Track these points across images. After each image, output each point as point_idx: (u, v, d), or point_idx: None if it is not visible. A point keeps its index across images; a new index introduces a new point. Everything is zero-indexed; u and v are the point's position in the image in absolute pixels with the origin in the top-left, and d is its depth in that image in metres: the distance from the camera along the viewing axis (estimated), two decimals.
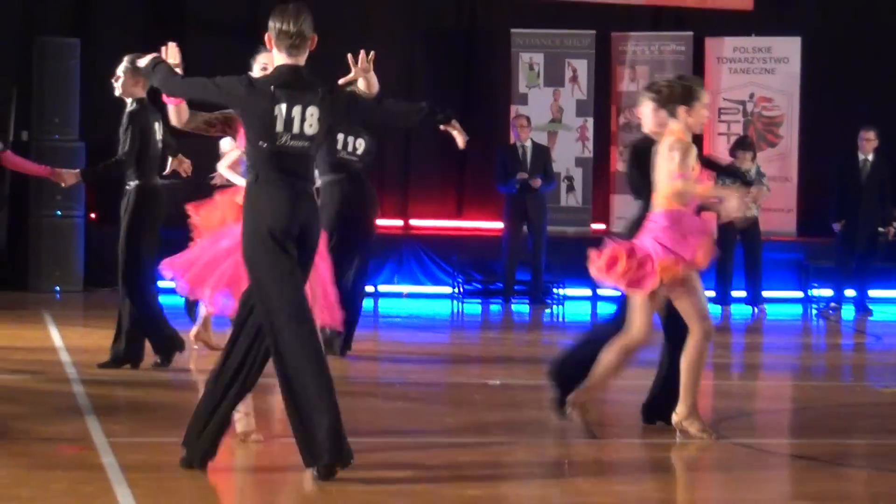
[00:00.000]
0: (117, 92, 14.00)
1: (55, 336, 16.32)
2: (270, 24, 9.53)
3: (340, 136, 14.93)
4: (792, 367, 17.04)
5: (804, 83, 23.45)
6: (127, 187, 13.85)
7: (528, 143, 21.30)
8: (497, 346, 17.49)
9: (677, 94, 10.59)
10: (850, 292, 21.09)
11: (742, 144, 21.10)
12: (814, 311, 21.66)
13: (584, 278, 22.13)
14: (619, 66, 23.78)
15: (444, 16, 23.23)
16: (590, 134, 23.29)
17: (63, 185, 14.50)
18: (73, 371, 13.52)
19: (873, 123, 20.41)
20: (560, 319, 20.46)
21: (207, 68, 23.71)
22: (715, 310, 20.72)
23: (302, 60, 9.31)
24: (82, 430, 10.50)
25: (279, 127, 8.96)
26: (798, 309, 22.18)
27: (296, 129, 9.00)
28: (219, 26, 23.56)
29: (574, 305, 21.41)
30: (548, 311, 21.10)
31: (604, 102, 23.44)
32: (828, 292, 21.13)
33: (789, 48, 23.60)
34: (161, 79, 10.03)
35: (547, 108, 23.23)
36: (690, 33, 23.92)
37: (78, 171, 14.40)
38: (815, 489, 9.82)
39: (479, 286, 22.45)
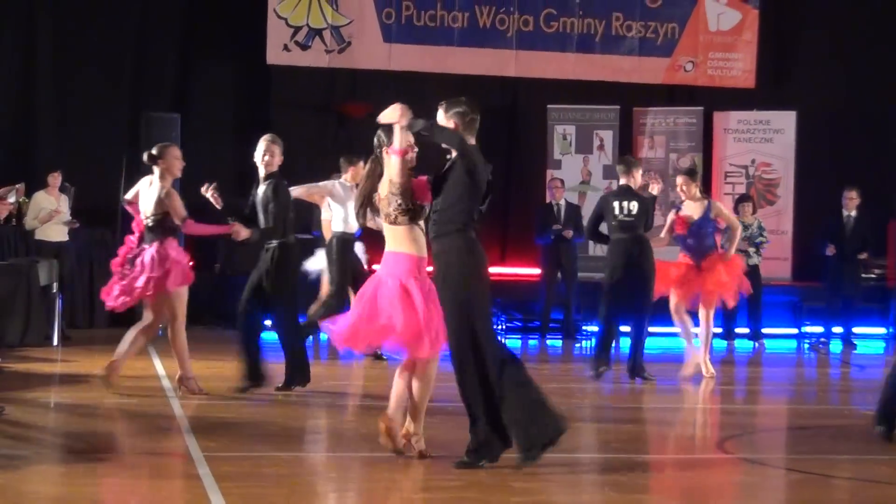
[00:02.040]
0: (263, 170, 14.56)
1: (158, 366, 16.36)
2: (459, 110, 10.38)
3: None
4: (788, 392, 16.96)
5: (798, 151, 23.40)
6: (269, 246, 14.25)
7: (562, 202, 21.29)
8: (535, 374, 17.40)
9: None
10: (837, 329, 21.06)
11: (743, 199, 21.16)
12: (806, 346, 21.59)
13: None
14: (640, 136, 23.76)
15: (492, 95, 23.24)
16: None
17: (237, 238, 14.46)
18: (174, 396, 13.55)
19: (856, 185, 20.35)
20: (589, 352, 20.40)
21: (290, 141, 24.05)
22: (721, 344, 20.69)
23: None
24: (182, 445, 10.55)
25: None
26: (793, 343, 22.13)
27: None
28: (300, 105, 23.60)
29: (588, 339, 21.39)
30: (578, 345, 21.04)
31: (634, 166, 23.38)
32: (818, 329, 21.06)
33: (785, 121, 23.55)
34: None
35: (578, 172, 23.22)
36: (701, 108, 23.89)
37: (249, 230, 14.37)
38: (808, 498, 9.79)
39: (520, 324, 22.40)
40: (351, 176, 17.07)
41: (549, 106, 23.38)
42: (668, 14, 24.09)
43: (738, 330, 21.20)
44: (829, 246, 20.40)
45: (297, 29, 23.02)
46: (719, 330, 20.19)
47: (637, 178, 16.27)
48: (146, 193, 13.78)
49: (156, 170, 13.50)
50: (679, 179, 16.59)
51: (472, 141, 10.21)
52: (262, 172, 14.38)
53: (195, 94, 23.39)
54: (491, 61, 23.63)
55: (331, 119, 23.59)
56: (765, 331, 21.25)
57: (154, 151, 13.49)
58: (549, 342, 21.32)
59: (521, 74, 23.68)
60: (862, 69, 23.69)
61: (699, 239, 16.22)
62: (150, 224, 13.68)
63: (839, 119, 23.38)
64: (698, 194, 16.35)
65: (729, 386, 16.43)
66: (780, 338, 22.16)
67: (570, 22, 23.88)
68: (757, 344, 21.05)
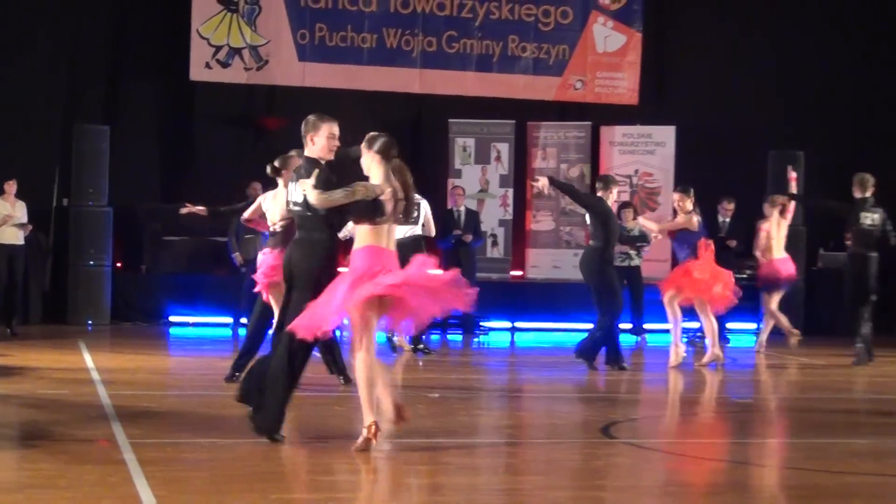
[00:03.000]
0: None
1: (87, 359, 16.22)
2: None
3: None
4: (667, 382, 17.05)
5: (677, 162, 23.54)
6: None
7: (462, 208, 21.27)
8: (437, 367, 17.41)
9: None
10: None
11: (625, 206, 21.23)
12: (684, 340, 21.66)
13: (504, 314, 22.31)
14: (534, 148, 23.80)
15: (398, 110, 23.27)
16: (510, 201, 23.33)
17: None
18: (102, 387, 13.42)
19: (731, 195, 20.48)
20: (485, 347, 20.44)
21: (212, 152, 23.87)
22: (630, 340, 20.82)
23: None
24: (109, 432, 10.45)
25: None
26: (672, 337, 22.20)
27: None
28: (221, 118, 23.48)
29: (496, 335, 21.39)
30: (476, 340, 21.07)
31: (521, 176, 23.44)
32: (695, 325, 21.14)
33: (666, 135, 23.68)
34: None
35: (476, 181, 23.23)
36: (589, 123, 23.95)
37: None
38: (683, 479, 9.84)
39: None
40: None
41: (450, 120, 23.40)
42: (560, 37, 24.17)
43: (623, 326, 21.29)
44: (731, 240, 20.49)
45: (218, 48, 22.92)
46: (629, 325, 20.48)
47: (613, 195, 16.48)
48: (273, 204, 13.44)
49: (279, 180, 13.14)
50: (675, 195, 17.01)
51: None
52: None
53: (124, 108, 23.21)
54: (397, 79, 23.62)
55: (249, 132, 23.50)
56: (647, 326, 21.34)
57: (277, 163, 13.19)
58: (448, 337, 21.31)
59: (425, 91, 23.68)
60: (735, 87, 23.89)
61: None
62: (278, 230, 13.44)
63: (715, 133, 23.52)
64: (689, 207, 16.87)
65: (614, 376, 16.49)
66: (661, 332, 22.25)
67: (470, 43, 23.90)
68: (639, 338, 21.15)
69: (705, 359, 17.10)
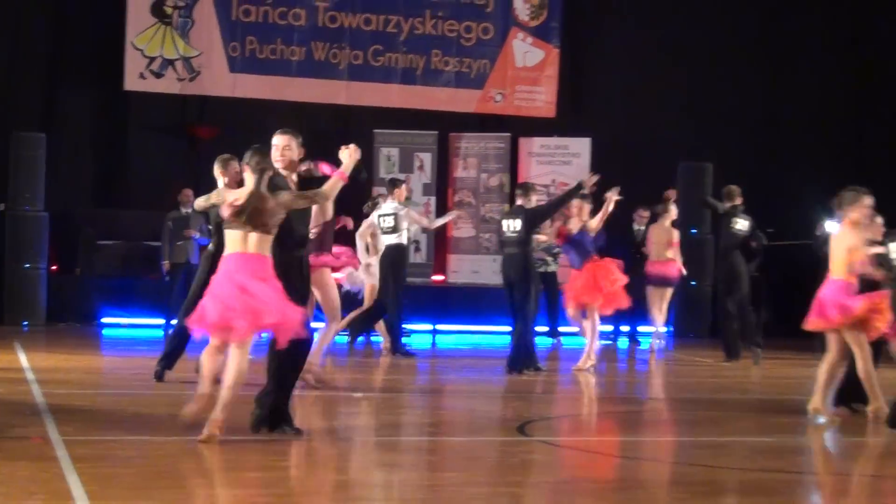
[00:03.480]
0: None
1: (22, 359, 16.06)
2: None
3: None
4: (581, 383, 17.09)
5: (592, 170, 23.60)
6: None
7: None
8: (362, 368, 17.38)
9: None
10: (625, 328, 21.28)
11: None
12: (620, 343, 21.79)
13: (426, 317, 22.28)
14: (455, 158, 23.84)
15: (325, 120, 23.23)
16: (432, 208, 23.33)
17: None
18: (36, 386, 13.29)
19: (644, 204, 20.54)
20: (408, 348, 20.39)
21: (146, 160, 23.64)
22: (546, 342, 20.84)
23: None
24: (42, 430, 10.34)
25: None
26: (583, 340, 22.29)
27: None
28: (155, 127, 23.33)
29: (418, 337, 21.36)
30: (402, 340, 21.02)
31: (443, 185, 23.47)
32: (609, 328, 21.25)
33: (581, 146, 23.79)
34: None
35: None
36: (508, 134, 24.02)
37: None
38: (596, 475, 9.87)
39: None
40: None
41: (375, 130, 23.39)
42: (481, 52, 24.22)
43: (540, 329, 21.33)
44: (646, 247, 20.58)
45: (152, 59, 22.82)
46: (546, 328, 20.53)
47: (532, 201, 16.40)
48: None
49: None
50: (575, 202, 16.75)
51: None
52: None
53: (60, 116, 23.04)
54: (325, 90, 23.60)
55: (182, 140, 23.38)
56: (562, 329, 21.40)
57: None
58: (372, 339, 21.23)
59: (352, 102, 23.68)
60: (647, 101, 24.01)
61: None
62: None
63: (628, 145, 23.65)
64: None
65: (531, 378, 16.51)
66: (575, 335, 22.31)
67: (395, 57, 23.91)
68: (555, 340, 21.20)
69: (581, 363, 16.77)
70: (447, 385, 15.87)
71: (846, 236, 12.30)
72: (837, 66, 25.11)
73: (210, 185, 20.96)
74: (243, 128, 22.30)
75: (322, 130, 21.67)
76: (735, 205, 18.54)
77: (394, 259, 17.78)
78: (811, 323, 12.26)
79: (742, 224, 18.28)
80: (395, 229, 17.61)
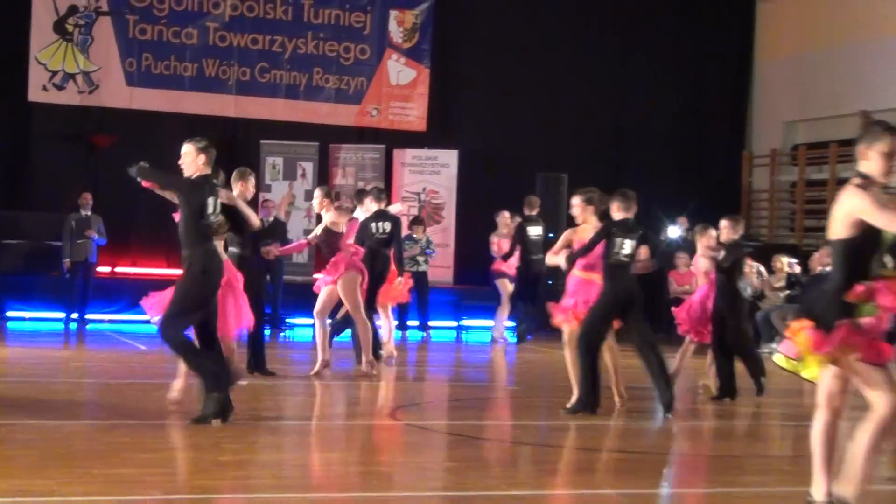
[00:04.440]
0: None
1: None
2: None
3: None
4: (449, 372, 17.17)
5: (459, 181, 23.77)
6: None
7: (272, 219, 21.10)
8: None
9: None
10: (490, 322, 21.28)
11: (416, 222, 21.32)
12: (465, 335, 21.88)
13: (307, 312, 22.15)
14: (335, 168, 23.79)
15: (215, 131, 22.88)
16: (313, 213, 23.23)
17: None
18: None
19: (508, 208, 20.59)
20: (290, 340, 20.32)
21: (48, 168, 23.17)
22: (397, 334, 20.82)
23: None
24: None
25: None
26: (453, 334, 22.42)
27: None
28: (57, 136, 22.96)
29: (300, 331, 21.25)
30: (283, 334, 20.91)
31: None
32: (477, 322, 21.37)
33: (449, 157, 23.87)
34: None
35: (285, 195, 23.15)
36: (383, 146, 24.03)
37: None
38: (462, 455, 9.91)
39: None
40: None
41: (261, 141, 23.28)
42: (359, 70, 24.22)
43: (410, 322, 21.36)
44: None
45: (55, 73, 22.53)
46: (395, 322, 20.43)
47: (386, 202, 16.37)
48: None
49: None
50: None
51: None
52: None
53: None
54: (215, 104, 23.43)
55: (82, 148, 23.04)
56: (431, 323, 21.46)
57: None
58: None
59: (240, 115, 23.53)
60: (509, 117, 24.14)
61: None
62: None
63: (492, 157, 23.74)
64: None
65: (402, 367, 16.54)
66: (443, 329, 22.42)
67: (280, 74, 23.83)
68: (425, 334, 21.25)
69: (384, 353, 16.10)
70: (325, 373, 15.79)
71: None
72: (674, 86, 25.49)
73: (106, 190, 20.94)
74: (139, 137, 22.18)
75: (212, 141, 21.43)
76: (532, 214, 19.59)
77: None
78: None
79: (538, 230, 19.56)
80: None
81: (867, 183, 6.64)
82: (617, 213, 12.21)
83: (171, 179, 10.57)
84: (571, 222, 20.69)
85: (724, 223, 13.86)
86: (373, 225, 15.71)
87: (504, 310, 20.20)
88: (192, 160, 10.52)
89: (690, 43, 25.50)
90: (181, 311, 10.13)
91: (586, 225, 12.46)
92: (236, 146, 23.67)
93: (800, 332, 6.69)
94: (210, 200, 10.28)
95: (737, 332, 13.71)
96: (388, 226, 15.83)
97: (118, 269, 22.33)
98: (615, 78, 24.83)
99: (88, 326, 20.43)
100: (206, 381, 10.12)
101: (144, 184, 10.49)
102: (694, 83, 25.73)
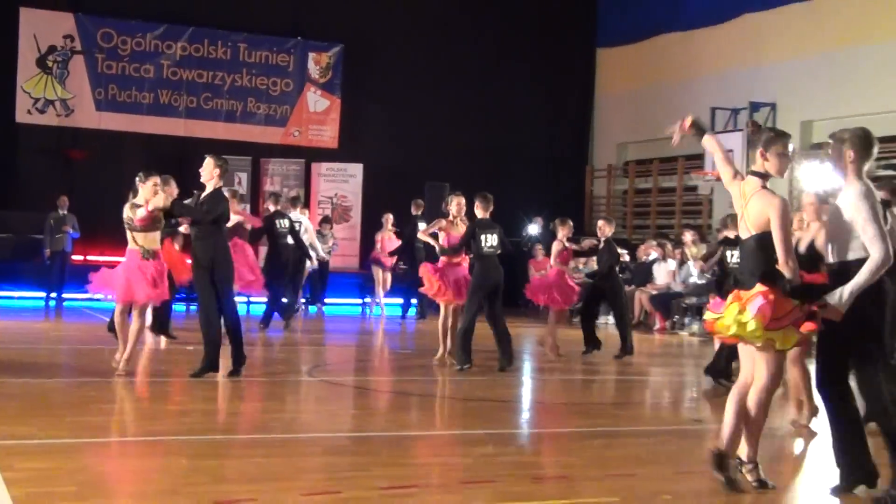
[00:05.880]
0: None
1: None
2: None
3: None
4: (354, 339, 17.09)
5: (364, 188, 23.78)
6: None
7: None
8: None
9: None
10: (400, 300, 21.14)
11: (325, 221, 21.32)
12: (368, 311, 21.80)
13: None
14: (265, 177, 23.63)
15: (169, 149, 22.54)
16: (248, 212, 23.07)
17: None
18: None
19: (403, 210, 20.55)
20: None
21: (33, 179, 22.58)
22: (312, 308, 20.74)
23: None
24: None
25: None
26: (357, 310, 22.36)
27: None
28: (40, 151, 22.44)
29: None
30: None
31: (255, 197, 23.20)
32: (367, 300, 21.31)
33: (356, 169, 23.86)
34: None
35: None
36: (303, 160, 23.94)
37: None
38: (363, 404, 9.94)
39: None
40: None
41: (205, 155, 22.85)
42: (284, 99, 24.11)
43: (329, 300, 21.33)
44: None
45: (37, 99, 22.16)
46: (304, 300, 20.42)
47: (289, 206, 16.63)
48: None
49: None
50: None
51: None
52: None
53: None
54: (168, 125, 23.17)
55: (60, 160, 22.63)
56: (339, 300, 21.46)
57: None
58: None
59: (188, 135, 23.23)
60: (403, 136, 24.11)
61: None
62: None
63: (390, 169, 23.66)
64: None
65: (317, 335, 16.51)
66: (348, 305, 22.38)
67: (221, 102, 23.64)
68: (318, 306, 20.98)
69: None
70: (247, 340, 15.70)
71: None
72: (534, 114, 25.68)
73: (80, 194, 20.65)
74: (106, 152, 22.06)
75: (166, 156, 21.18)
76: (418, 214, 19.82)
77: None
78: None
79: (421, 226, 19.22)
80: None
81: (766, 180, 6.21)
82: (479, 211, 12.48)
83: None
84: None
85: (601, 223, 14.60)
86: (277, 222, 16.43)
87: (379, 289, 20.37)
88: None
89: (546, 80, 25.71)
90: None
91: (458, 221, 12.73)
92: (186, 161, 23.31)
93: (751, 299, 6.00)
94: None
95: (622, 302, 14.67)
96: (286, 224, 16.62)
97: (89, 258, 21.96)
98: (488, 107, 24.93)
99: (65, 304, 20.20)
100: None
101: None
102: (549, 112, 25.95)
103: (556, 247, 14.17)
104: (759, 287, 5.99)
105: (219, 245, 10.52)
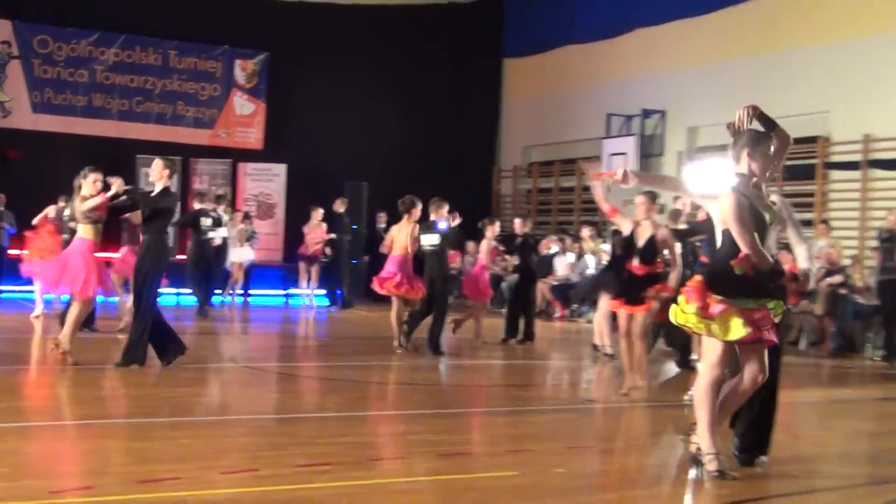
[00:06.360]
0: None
1: None
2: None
3: None
4: (277, 328, 16.97)
5: (287, 187, 23.60)
6: None
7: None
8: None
9: None
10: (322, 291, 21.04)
11: (246, 217, 21.19)
12: (291, 301, 21.66)
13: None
14: (195, 176, 23.30)
15: (102, 149, 21.94)
16: (177, 213, 22.72)
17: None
18: None
19: (322, 208, 20.48)
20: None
21: None
22: (239, 299, 20.55)
23: None
24: None
25: None
26: (280, 300, 22.16)
27: None
28: None
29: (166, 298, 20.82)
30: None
31: (184, 196, 22.80)
32: (296, 291, 21.18)
33: (280, 169, 23.66)
34: None
35: None
36: (231, 160, 23.68)
37: None
38: (285, 388, 9.88)
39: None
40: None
41: (137, 156, 22.56)
42: (212, 103, 23.79)
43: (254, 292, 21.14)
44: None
45: None
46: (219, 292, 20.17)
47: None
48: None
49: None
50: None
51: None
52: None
53: None
54: (101, 127, 22.71)
55: None
56: (263, 292, 21.28)
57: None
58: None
59: (120, 136, 22.80)
60: (324, 138, 23.94)
61: None
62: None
63: (312, 169, 23.44)
64: None
65: (245, 323, 16.37)
66: (272, 296, 22.21)
67: (152, 105, 23.25)
68: (244, 297, 20.87)
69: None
70: (186, 329, 15.51)
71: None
72: (446, 119, 25.67)
73: (17, 191, 20.19)
74: (43, 152, 21.57)
75: (100, 156, 20.64)
76: (342, 212, 19.94)
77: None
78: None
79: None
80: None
81: (747, 181, 5.92)
82: (432, 214, 12.97)
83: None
84: (370, 216, 20.97)
85: (518, 221, 14.93)
86: (201, 219, 16.90)
87: (303, 283, 20.34)
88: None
89: (458, 88, 25.73)
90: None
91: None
92: (117, 160, 22.96)
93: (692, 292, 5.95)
94: None
95: (533, 293, 15.19)
96: (209, 221, 17.09)
97: (25, 252, 21.49)
98: (404, 112, 24.83)
99: (2, 295, 19.71)
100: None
101: None
102: (460, 117, 25.95)
103: (486, 245, 14.50)
104: (696, 279, 6.02)
105: (156, 241, 10.36)
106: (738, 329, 5.81)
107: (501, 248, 14.78)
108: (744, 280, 5.77)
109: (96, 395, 8.83)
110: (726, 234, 5.89)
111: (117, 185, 10.55)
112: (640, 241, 9.26)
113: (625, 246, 9.41)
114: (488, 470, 6.21)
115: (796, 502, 5.73)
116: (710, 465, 5.94)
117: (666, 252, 9.36)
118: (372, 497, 5.41)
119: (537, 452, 6.79)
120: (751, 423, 6.50)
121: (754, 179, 5.93)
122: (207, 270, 17.33)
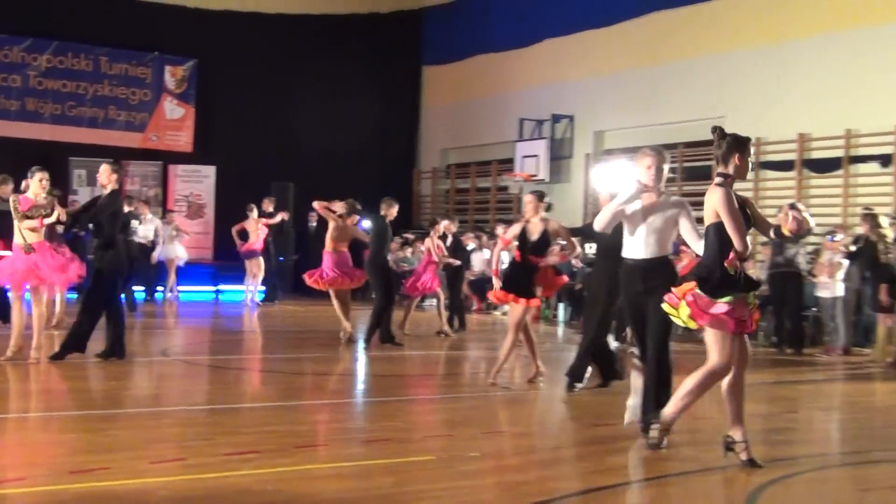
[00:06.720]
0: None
1: None
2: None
3: None
4: (209, 323, 16.80)
5: (216, 188, 23.35)
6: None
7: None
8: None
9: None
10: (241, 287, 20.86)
11: (168, 212, 20.99)
12: (221, 297, 21.42)
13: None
14: (126, 178, 22.75)
15: (36, 153, 21.41)
16: None
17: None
18: None
19: (248, 209, 20.23)
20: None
21: None
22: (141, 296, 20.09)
23: None
24: None
25: None
26: (211, 296, 21.89)
27: None
28: None
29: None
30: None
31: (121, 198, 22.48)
32: (228, 287, 20.95)
33: (210, 171, 23.40)
34: None
35: (88, 198, 22.07)
36: (162, 162, 23.36)
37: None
38: (218, 380, 9.75)
39: None
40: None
41: (70, 158, 22.22)
42: (143, 108, 23.42)
43: (183, 288, 20.82)
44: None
45: None
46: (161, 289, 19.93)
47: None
48: None
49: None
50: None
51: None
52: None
53: None
54: (35, 131, 22.20)
55: None
56: (193, 288, 20.99)
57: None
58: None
59: (54, 139, 22.34)
60: (251, 141, 23.68)
61: None
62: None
63: (240, 169, 23.24)
64: None
65: (177, 318, 16.13)
66: (202, 293, 21.93)
67: (84, 109, 22.81)
68: (172, 295, 20.52)
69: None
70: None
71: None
72: (369, 123, 25.60)
73: None
74: None
75: (33, 159, 20.02)
76: (268, 210, 19.78)
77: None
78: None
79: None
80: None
81: (730, 181, 5.98)
82: (382, 212, 13.21)
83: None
84: (298, 216, 20.76)
85: (447, 222, 15.32)
86: (131, 222, 16.39)
87: (249, 279, 19.86)
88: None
89: (379, 93, 25.68)
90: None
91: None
92: (51, 163, 22.36)
93: (684, 295, 5.99)
94: None
95: (459, 288, 15.74)
96: (137, 223, 17.28)
97: None
98: (328, 116, 24.67)
99: None
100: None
101: None
102: (381, 121, 25.90)
103: (432, 242, 14.73)
104: (689, 284, 6.02)
105: (113, 240, 10.50)
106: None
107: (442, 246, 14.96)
108: (734, 277, 5.89)
109: (27, 388, 8.64)
110: (711, 229, 5.96)
111: (60, 212, 10.45)
112: (534, 237, 9.44)
113: (519, 242, 9.51)
114: (407, 455, 6.21)
115: (691, 480, 5.83)
116: (742, 455, 6.04)
117: (561, 240, 9.48)
118: (296, 482, 5.38)
119: (454, 437, 6.81)
120: (646, 391, 6.88)
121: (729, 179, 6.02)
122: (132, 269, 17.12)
